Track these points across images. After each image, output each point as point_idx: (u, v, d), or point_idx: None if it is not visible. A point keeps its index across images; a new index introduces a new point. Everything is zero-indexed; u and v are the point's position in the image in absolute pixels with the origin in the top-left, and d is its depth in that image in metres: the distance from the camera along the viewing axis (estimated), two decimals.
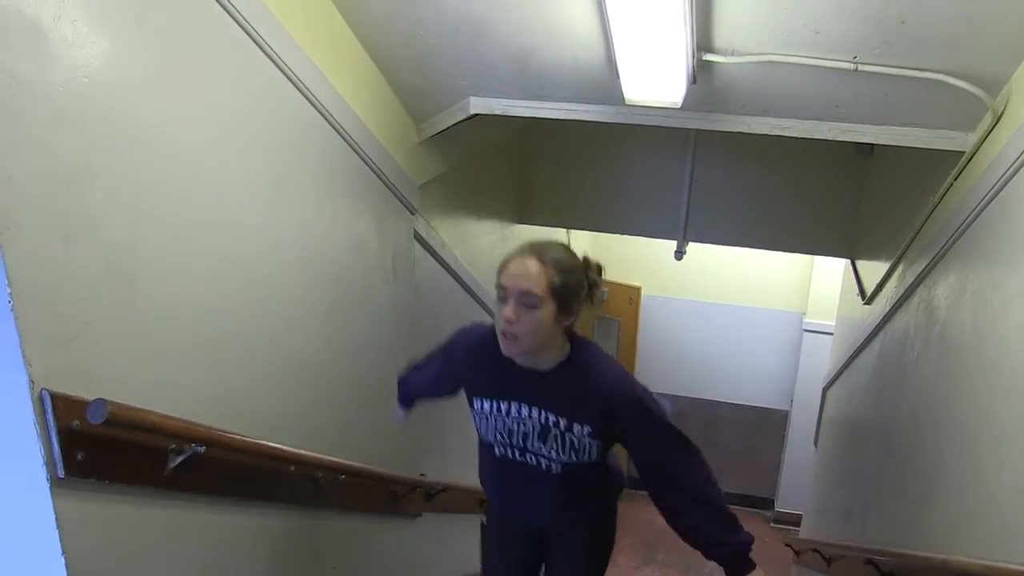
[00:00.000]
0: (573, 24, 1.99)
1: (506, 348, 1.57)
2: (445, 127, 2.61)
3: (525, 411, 1.69)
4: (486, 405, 1.74)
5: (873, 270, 3.55)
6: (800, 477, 5.89)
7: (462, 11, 2.02)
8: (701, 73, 2.04)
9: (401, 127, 2.54)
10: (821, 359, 5.42)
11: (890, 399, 2.83)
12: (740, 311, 6.42)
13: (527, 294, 1.51)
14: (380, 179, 2.40)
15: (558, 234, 4.97)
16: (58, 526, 1.17)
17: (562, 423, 1.65)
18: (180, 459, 1.40)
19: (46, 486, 1.15)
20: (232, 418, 1.64)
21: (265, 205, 1.80)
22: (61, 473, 1.16)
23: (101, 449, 1.23)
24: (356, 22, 2.10)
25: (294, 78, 1.81)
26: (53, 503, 1.16)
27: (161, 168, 1.41)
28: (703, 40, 1.95)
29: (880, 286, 3.29)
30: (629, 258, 6.23)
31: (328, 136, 2.08)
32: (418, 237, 2.80)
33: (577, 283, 1.57)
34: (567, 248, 1.62)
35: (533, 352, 1.60)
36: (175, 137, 1.44)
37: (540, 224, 4.64)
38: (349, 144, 2.16)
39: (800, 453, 5.97)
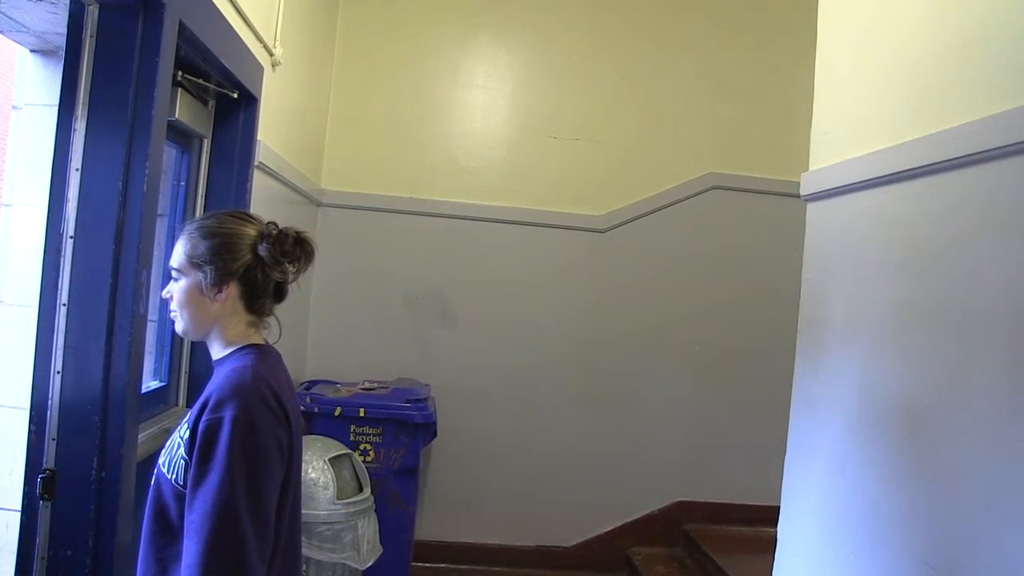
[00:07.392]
0: None
1: None
2: None
3: None
4: None
5: None
6: None
7: None
8: None
9: None
10: None
11: None
12: None
13: (171, 268, 1.42)
14: None
15: None
16: None
17: (182, 425, 1.38)
18: None
19: None
20: None
21: None
22: None
23: None
24: None
25: None
26: None
27: None
28: None
29: None
30: None
31: None
32: None
33: (222, 249, 1.39)
34: (236, 214, 1.45)
35: (191, 332, 1.46)
36: None
37: None
38: None
39: None
